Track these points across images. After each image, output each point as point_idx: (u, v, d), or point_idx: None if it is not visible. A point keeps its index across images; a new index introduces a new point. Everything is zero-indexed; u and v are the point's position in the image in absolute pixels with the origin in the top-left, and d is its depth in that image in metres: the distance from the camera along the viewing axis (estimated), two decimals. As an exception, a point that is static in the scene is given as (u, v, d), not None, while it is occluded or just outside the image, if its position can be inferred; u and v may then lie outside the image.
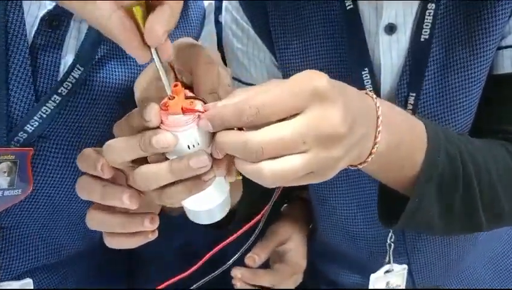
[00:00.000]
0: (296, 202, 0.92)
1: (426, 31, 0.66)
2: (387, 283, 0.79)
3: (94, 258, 0.76)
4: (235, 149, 0.42)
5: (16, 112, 0.57)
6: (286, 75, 0.74)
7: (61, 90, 0.58)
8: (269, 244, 0.83)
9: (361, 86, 0.69)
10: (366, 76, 0.69)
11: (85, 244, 0.72)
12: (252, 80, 0.78)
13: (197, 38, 0.71)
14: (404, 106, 0.68)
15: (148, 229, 0.48)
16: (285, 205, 0.92)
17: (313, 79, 0.42)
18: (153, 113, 0.42)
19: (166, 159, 0.44)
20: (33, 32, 0.57)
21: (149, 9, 0.39)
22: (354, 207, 0.79)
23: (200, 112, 0.43)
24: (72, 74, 0.59)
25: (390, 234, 0.76)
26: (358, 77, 0.69)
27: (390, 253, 0.77)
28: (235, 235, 0.50)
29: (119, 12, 0.38)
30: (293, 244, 0.85)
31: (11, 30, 0.56)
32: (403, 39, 0.67)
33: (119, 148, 0.44)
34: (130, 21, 0.39)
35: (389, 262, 0.78)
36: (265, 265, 0.83)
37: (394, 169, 0.56)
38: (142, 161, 0.45)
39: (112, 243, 0.50)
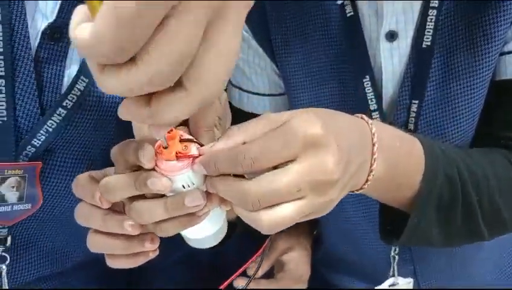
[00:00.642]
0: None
1: (428, 38, 0.67)
2: None
3: (96, 267, 0.77)
4: (232, 198, 0.44)
5: (22, 126, 0.59)
6: (287, 83, 0.76)
7: (66, 103, 0.60)
8: (272, 254, 0.84)
9: (362, 94, 0.70)
10: (368, 83, 0.70)
11: (88, 253, 0.73)
12: (253, 88, 0.79)
13: None
14: (407, 113, 0.69)
15: (149, 249, 0.49)
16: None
17: (305, 127, 0.43)
18: (147, 158, 0.42)
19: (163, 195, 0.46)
20: (36, 46, 0.59)
21: None
22: (357, 217, 0.79)
23: (194, 156, 0.44)
24: (77, 85, 0.60)
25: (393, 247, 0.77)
26: (359, 84, 0.70)
27: (395, 265, 0.77)
28: (241, 270, 0.52)
29: None
30: (296, 254, 0.86)
31: (16, 44, 0.57)
32: (404, 46, 0.68)
33: (115, 188, 0.45)
34: None
35: (393, 275, 0.77)
36: (269, 274, 0.84)
37: (392, 191, 0.57)
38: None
39: (113, 264, 0.51)
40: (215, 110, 0.49)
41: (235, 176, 0.44)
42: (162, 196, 0.45)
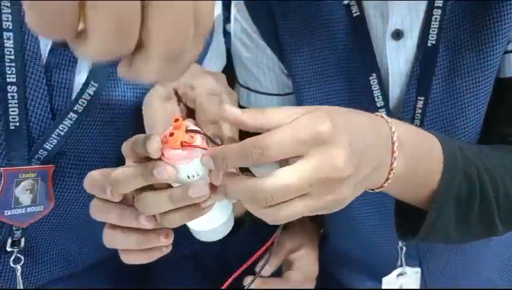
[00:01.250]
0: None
1: (433, 36, 0.69)
2: (401, 285, 0.81)
3: (108, 267, 0.80)
4: (245, 197, 0.46)
5: (35, 130, 0.61)
6: (295, 81, 0.78)
7: (77, 107, 0.62)
8: (280, 252, 0.86)
9: (369, 91, 0.72)
10: (374, 81, 0.72)
11: (99, 255, 0.76)
12: (261, 87, 0.82)
13: (206, 50, 0.75)
14: (413, 110, 0.71)
15: (164, 244, 0.52)
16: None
17: (316, 124, 0.45)
18: (154, 147, 0.45)
19: (170, 185, 0.48)
20: (47, 52, 0.61)
21: None
22: (365, 213, 0.81)
23: (199, 147, 0.46)
24: (87, 90, 0.62)
25: None
26: (366, 82, 0.72)
27: (402, 256, 0.80)
28: (245, 265, 0.54)
29: None
30: (304, 252, 0.88)
31: (27, 50, 0.59)
32: (410, 45, 0.70)
33: (124, 179, 0.48)
34: None
35: (401, 265, 0.80)
36: (277, 274, 0.85)
37: (411, 189, 0.59)
38: (149, 185, 0.49)
39: (127, 259, 0.53)
40: (221, 103, 0.52)
41: (242, 170, 0.47)
42: (170, 187, 0.48)
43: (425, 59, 0.70)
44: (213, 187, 0.48)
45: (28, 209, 0.61)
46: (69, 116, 0.62)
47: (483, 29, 0.67)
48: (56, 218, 0.66)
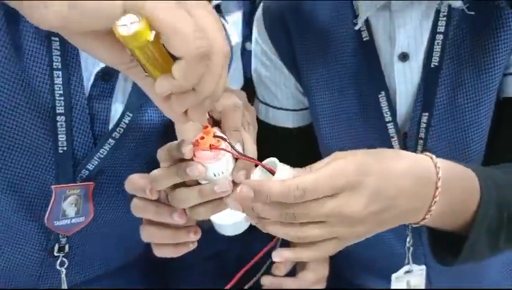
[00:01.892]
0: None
1: (436, 59, 0.75)
2: (408, 283, 0.86)
3: (137, 268, 0.89)
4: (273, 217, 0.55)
5: (79, 153, 0.69)
6: (310, 98, 0.86)
7: (115, 134, 0.71)
8: None
9: (378, 108, 0.79)
10: (383, 98, 0.79)
11: (129, 256, 0.86)
12: (278, 103, 0.91)
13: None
14: (418, 124, 0.78)
15: (193, 239, 0.61)
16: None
17: (350, 171, 0.53)
18: (187, 149, 0.54)
19: (199, 183, 0.58)
20: (89, 85, 0.69)
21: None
22: None
23: (224, 150, 0.56)
24: (123, 119, 0.71)
25: (408, 238, 0.84)
26: (375, 99, 0.79)
27: (409, 255, 0.85)
28: (246, 266, 0.62)
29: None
30: None
31: (72, 86, 0.67)
32: (415, 66, 0.77)
33: (162, 177, 0.57)
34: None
35: (408, 263, 0.85)
36: (292, 273, 0.90)
37: (446, 222, 0.65)
38: (181, 183, 0.58)
39: (160, 252, 0.63)
40: (242, 115, 0.62)
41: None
42: (199, 184, 0.57)
43: (429, 79, 0.76)
44: (235, 185, 0.57)
45: (73, 220, 0.70)
46: (108, 142, 0.71)
47: (482, 55, 0.74)
48: (95, 227, 0.75)
